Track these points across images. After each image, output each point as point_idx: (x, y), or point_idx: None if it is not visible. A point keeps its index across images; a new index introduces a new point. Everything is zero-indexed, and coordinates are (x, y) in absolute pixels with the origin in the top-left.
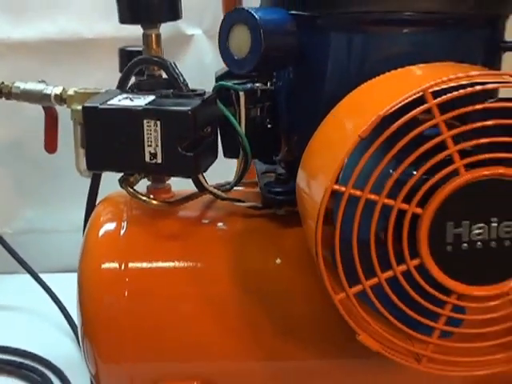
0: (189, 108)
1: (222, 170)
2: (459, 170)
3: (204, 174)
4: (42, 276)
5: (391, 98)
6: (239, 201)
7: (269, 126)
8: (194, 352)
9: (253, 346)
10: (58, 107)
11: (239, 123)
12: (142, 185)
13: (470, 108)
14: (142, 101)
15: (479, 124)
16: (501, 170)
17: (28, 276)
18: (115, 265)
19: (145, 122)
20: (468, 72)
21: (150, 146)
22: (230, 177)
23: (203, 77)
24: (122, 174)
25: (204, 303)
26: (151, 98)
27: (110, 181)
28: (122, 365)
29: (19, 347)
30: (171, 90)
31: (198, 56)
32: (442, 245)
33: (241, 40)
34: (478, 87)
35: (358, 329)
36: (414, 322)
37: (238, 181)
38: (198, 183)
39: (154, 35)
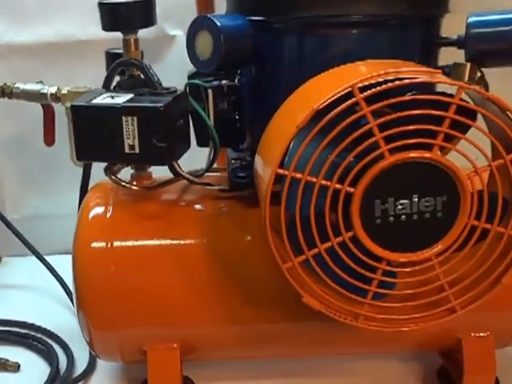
0: (161, 104)
1: None
2: (384, 154)
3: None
4: (47, 257)
5: (327, 93)
6: (209, 184)
7: (235, 117)
8: (172, 318)
9: (222, 313)
10: (55, 105)
11: (208, 116)
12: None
13: (390, 101)
14: (121, 99)
15: (397, 114)
16: (419, 153)
17: (34, 258)
18: (103, 244)
19: (123, 118)
20: (396, 68)
21: (129, 138)
22: None
23: (185, 74)
24: (106, 164)
25: (180, 275)
26: (130, 96)
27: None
28: (111, 331)
29: (26, 321)
30: (147, 89)
31: (180, 55)
32: (372, 219)
33: (204, 44)
34: (397, 82)
35: (302, 292)
36: (352, 286)
37: (209, 167)
38: (173, 170)
39: (132, 40)
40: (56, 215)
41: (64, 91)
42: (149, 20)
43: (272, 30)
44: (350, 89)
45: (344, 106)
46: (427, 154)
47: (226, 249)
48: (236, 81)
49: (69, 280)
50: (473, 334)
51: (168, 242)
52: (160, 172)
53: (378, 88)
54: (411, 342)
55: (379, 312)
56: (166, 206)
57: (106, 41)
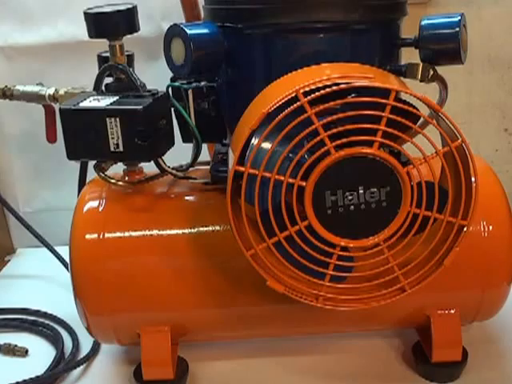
0: (141, 106)
1: None
2: (330, 151)
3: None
4: (58, 248)
5: (277, 97)
6: (193, 178)
7: (215, 115)
8: (161, 303)
9: (207, 297)
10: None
11: (189, 115)
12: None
13: (331, 103)
14: (107, 101)
15: (338, 115)
16: (360, 149)
17: (45, 249)
18: (95, 235)
19: (107, 119)
20: (342, 73)
21: (113, 138)
22: None
23: None
24: (95, 162)
25: (167, 263)
26: (115, 98)
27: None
28: (105, 316)
29: (38, 308)
30: (131, 92)
31: None
32: (324, 209)
33: (178, 50)
34: (334, 87)
35: (266, 275)
36: (311, 270)
37: (193, 162)
38: (158, 165)
39: (117, 46)
40: (66, 208)
41: (61, 92)
42: (132, 27)
43: (242, 35)
44: (295, 93)
45: (290, 109)
46: (367, 150)
47: (209, 237)
48: (215, 82)
49: None
50: (439, 312)
51: (155, 232)
52: (154, 167)
53: (317, 93)
54: (387, 319)
55: (337, 293)
56: (154, 199)
57: (106, 40)
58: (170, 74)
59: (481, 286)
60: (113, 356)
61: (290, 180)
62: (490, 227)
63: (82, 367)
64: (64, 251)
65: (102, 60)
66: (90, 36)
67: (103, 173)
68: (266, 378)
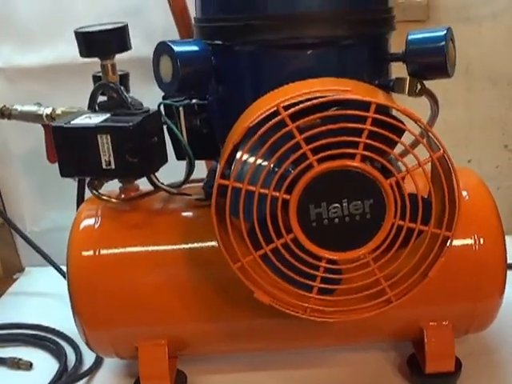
0: (130, 124)
1: None
2: (313, 164)
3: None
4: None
5: (258, 112)
6: (187, 194)
7: (207, 132)
8: (158, 317)
9: (202, 311)
10: None
11: (181, 133)
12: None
13: (311, 117)
14: (98, 118)
15: (321, 128)
16: (342, 162)
17: (51, 268)
18: (91, 252)
19: (98, 136)
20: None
21: (105, 155)
22: None
23: None
24: (89, 179)
25: (163, 278)
26: (107, 116)
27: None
28: (103, 331)
29: (44, 324)
30: (123, 110)
31: None
32: (309, 222)
33: (166, 68)
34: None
35: (253, 287)
36: (299, 282)
37: (187, 179)
38: (151, 182)
39: (109, 65)
40: None
41: (58, 111)
42: (124, 45)
43: (231, 52)
44: (275, 108)
45: (271, 123)
46: (349, 163)
47: (202, 252)
48: (206, 99)
49: None
50: (432, 324)
51: (150, 248)
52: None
53: (297, 107)
54: (380, 333)
55: (325, 305)
56: (149, 216)
57: None
58: None
59: (473, 298)
60: (115, 369)
61: (274, 193)
62: (482, 240)
63: (84, 380)
64: None
65: (96, 79)
66: (82, 55)
67: (96, 190)
68: None
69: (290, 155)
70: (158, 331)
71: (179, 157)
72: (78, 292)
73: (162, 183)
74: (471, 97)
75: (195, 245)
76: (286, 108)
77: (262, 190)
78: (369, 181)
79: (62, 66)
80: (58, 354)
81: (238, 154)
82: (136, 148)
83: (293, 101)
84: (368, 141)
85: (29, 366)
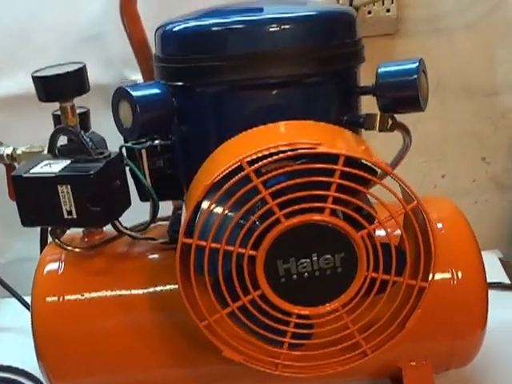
0: (91, 172)
1: None
2: (280, 219)
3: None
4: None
5: (221, 168)
6: (152, 239)
7: (171, 174)
8: (123, 364)
9: (168, 356)
10: None
11: (144, 175)
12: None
13: (279, 171)
14: (59, 166)
15: (287, 183)
16: (310, 216)
17: (14, 300)
18: (55, 298)
19: (58, 186)
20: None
21: (66, 205)
22: None
23: None
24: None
25: (128, 324)
26: (67, 163)
27: None
28: (69, 380)
29: (9, 364)
30: (83, 156)
31: None
32: (277, 277)
33: (125, 113)
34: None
35: (221, 346)
36: (269, 338)
37: (150, 222)
38: (115, 227)
39: (69, 107)
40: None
41: (19, 151)
42: (81, 89)
43: (193, 93)
44: (239, 163)
45: (235, 179)
46: (318, 217)
47: (168, 297)
48: (169, 140)
49: None
50: (411, 363)
51: (114, 293)
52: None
53: (260, 163)
54: (358, 373)
55: (296, 360)
56: (113, 261)
57: None
58: None
59: (452, 335)
60: None
61: (240, 250)
62: (459, 274)
63: None
64: None
65: (56, 119)
66: (40, 100)
67: (58, 239)
68: None
69: (256, 209)
70: (124, 378)
71: (143, 198)
72: (43, 339)
73: (126, 228)
74: (445, 110)
75: (160, 289)
76: (251, 163)
77: (226, 247)
78: (339, 234)
79: (22, 96)
80: None
81: (202, 208)
82: (98, 196)
83: (259, 154)
84: (337, 194)
85: None
